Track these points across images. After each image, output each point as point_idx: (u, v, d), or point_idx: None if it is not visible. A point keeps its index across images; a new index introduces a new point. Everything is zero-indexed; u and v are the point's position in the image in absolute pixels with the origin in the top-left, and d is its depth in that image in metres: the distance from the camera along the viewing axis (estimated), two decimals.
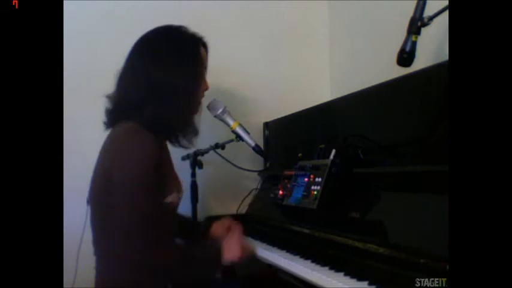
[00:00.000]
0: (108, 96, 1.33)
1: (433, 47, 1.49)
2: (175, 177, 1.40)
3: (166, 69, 1.26)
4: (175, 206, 1.35)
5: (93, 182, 1.29)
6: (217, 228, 1.54)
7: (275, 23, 2.25)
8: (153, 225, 1.18)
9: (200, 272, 1.28)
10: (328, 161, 1.30)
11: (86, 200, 1.29)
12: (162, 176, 1.26)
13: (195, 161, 1.74)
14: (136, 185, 1.17)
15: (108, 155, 1.26)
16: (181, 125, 1.31)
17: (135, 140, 1.21)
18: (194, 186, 1.73)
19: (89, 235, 1.32)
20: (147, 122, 1.24)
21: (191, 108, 1.33)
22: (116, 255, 1.19)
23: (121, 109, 1.30)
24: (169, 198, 1.29)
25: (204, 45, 1.38)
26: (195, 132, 1.34)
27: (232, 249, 1.27)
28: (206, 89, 1.39)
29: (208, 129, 1.47)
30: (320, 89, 2.28)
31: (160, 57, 1.28)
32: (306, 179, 1.37)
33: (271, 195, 1.56)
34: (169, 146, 1.40)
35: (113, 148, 1.26)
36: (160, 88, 1.25)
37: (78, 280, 1.42)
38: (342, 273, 1.05)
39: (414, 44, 1.11)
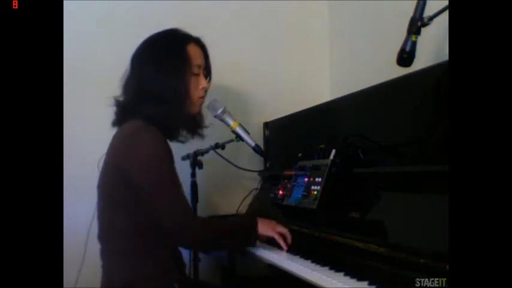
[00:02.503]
0: (115, 98, 1.37)
1: (433, 47, 1.49)
2: None
3: (154, 70, 1.31)
4: None
5: (102, 174, 1.32)
6: None
7: (275, 22, 2.25)
8: (188, 206, 1.29)
9: (238, 241, 1.35)
10: (328, 161, 1.30)
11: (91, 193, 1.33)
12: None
13: (195, 161, 1.74)
14: (159, 179, 1.23)
15: (119, 151, 1.29)
16: (176, 124, 1.36)
17: (146, 136, 1.25)
18: (194, 186, 1.72)
19: (90, 235, 1.32)
20: (148, 120, 1.28)
21: (184, 107, 1.35)
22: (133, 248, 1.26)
23: (125, 109, 1.35)
24: None
25: (199, 43, 1.39)
26: (193, 128, 1.39)
27: (266, 224, 1.34)
28: (204, 87, 1.39)
29: (208, 129, 1.47)
30: (320, 89, 2.28)
31: (150, 59, 1.34)
32: (306, 179, 1.37)
33: (271, 195, 1.56)
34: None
35: (124, 145, 1.29)
36: (152, 88, 1.30)
37: (81, 280, 1.43)
38: (342, 273, 1.05)
39: (414, 44, 1.11)
